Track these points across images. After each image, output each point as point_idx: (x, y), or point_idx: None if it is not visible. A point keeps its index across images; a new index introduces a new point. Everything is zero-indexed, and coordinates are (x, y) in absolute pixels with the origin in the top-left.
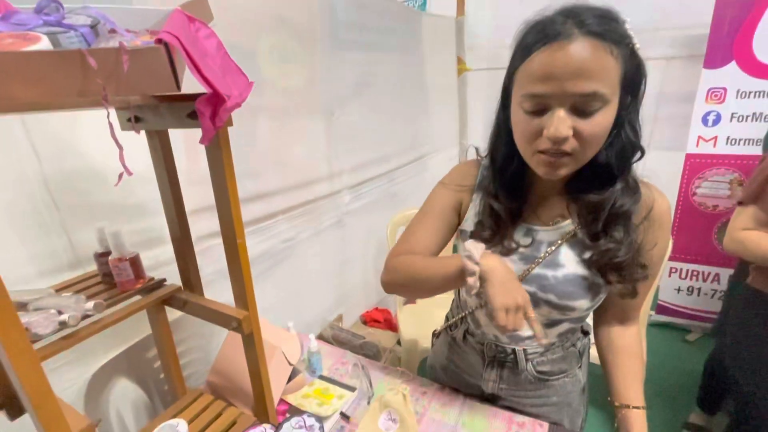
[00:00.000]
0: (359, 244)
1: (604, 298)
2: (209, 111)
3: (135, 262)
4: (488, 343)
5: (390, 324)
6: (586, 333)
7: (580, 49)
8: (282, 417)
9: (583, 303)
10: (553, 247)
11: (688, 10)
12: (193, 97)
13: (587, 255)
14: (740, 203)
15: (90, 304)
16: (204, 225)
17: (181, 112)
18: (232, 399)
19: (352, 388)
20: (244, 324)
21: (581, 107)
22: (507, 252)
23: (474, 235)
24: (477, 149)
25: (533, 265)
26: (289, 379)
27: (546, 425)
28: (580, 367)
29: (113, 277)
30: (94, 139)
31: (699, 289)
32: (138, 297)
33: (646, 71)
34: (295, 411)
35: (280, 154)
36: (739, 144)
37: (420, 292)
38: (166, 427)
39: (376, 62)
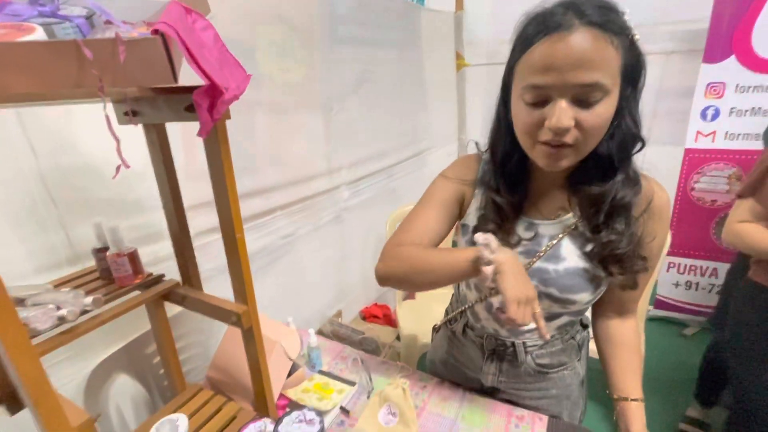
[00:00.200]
0: (358, 240)
1: (604, 292)
2: (207, 103)
3: (133, 258)
4: (488, 336)
5: (389, 319)
6: (585, 326)
7: (580, 39)
8: (282, 411)
9: (584, 296)
10: (555, 241)
11: (687, 5)
12: (190, 90)
13: (588, 248)
14: (739, 196)
15: (89, 300)
16: (202, 221)
17: (178, 105)
18: (231, 394)
19: (351, 383)
20: (243, 319)
21: (582, 98)
22: (510, 246)
23: (477, 230)
24: (477, 144)
25: (534, 259)
26: (289, 374)
27: (545, 418)
28: (579, 359)
29: (111, 273)
30: (91, 135)
31: (697, 284)
32: (137, 292)
33: (645, 62)
34: (295, 405)
35: (279, 149)
36: (737, 139)
37: (419, 285)
38: (166, 422)
39: (374, 58)
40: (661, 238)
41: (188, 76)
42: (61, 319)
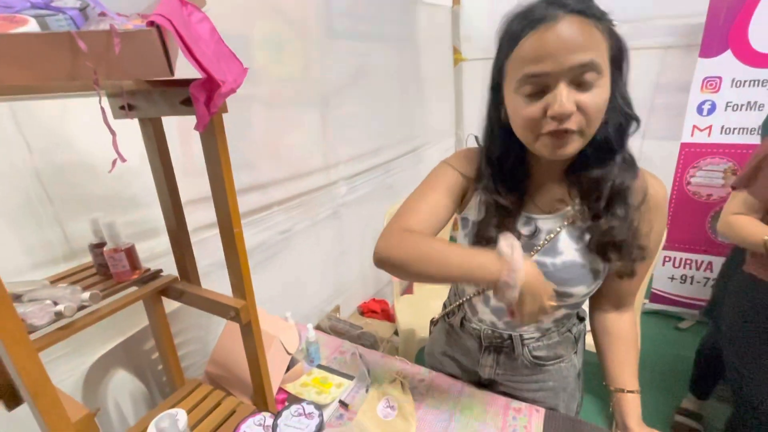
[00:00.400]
0: (356, 235)
1: (601, 285)
2: (204, 96)
3: (130, 253)
4: (485, 329)
5: (387, 314)
6: (581, 319)
7: (568, 25)
8: (281, 406)
9: (581, 289)
10: (552, 235)
11: None
12: (186, 83)
13: (587, 237)
14: (733, 188)
15: (86, 295)
16: (199, 216)
17: (174, 99)
18: (230, 389)
19: (350, 377)
20: (242, 313)
21: (580, 79)
22: None
23: (480, 232)
24: (477, 138)
25: (533, 253)
26: (288, 369)
27: (542, 410)
28: (575, 352)
29: (109, 269)
30: (86, 131)
31: (692, 278)
32: (134, 288)
33: (627, 47)
34: (294, 399)
35: (276, 145)
36: (733, 133)
37: (418, 275)
38: (166, 416)
39: (371, 52)
40: (658, 230)
41: (184, 69)
42: (59, 315)
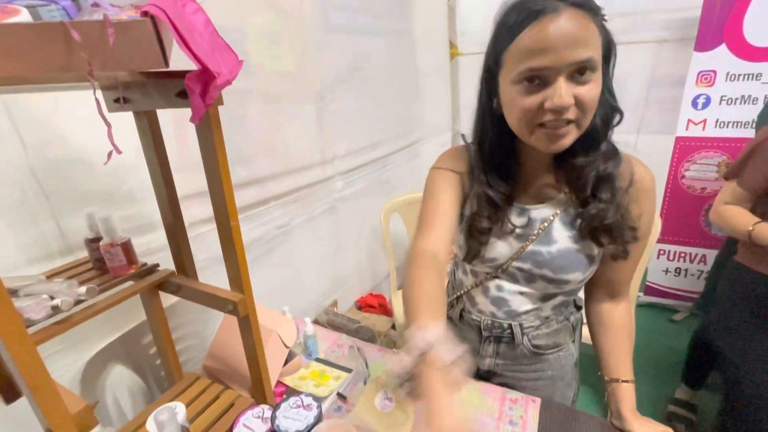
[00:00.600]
0: (353, 230)
1: (596, 273)
2: (199, 88)
3: (127, 248)
4: (485, 319)
5: (385, 309)
6: (579, 307)
7: (569, 18)
8: (279, 398)
9: (576, 275)
10: (546, 224)
11: None
12: (181, 75)
13: (578, 223)
14: (725, 178)
15: (82, 289)
16: (196, 211)
17: (169, 91)
18: (228, 382)
19: (348, 370)
20: (239, 307)
21: (578, 75)
22: (505, 235)
23: (473, 224)
24: (464, 136)
25: (527, 243)
26: (286, 362)
27: (538, 400)
28: (573, 341)
29: (105, 263)
30: (81, 127)
31: (686, 270)
32: (131, 282)
33: (614, 41)
34: (293, 392)
35: (272, 139)
36: (727, 127)
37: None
38: (165, 409)
39: (367, 46)
40: (649, 213)
41: (179, 62)
42: (55, 309)
